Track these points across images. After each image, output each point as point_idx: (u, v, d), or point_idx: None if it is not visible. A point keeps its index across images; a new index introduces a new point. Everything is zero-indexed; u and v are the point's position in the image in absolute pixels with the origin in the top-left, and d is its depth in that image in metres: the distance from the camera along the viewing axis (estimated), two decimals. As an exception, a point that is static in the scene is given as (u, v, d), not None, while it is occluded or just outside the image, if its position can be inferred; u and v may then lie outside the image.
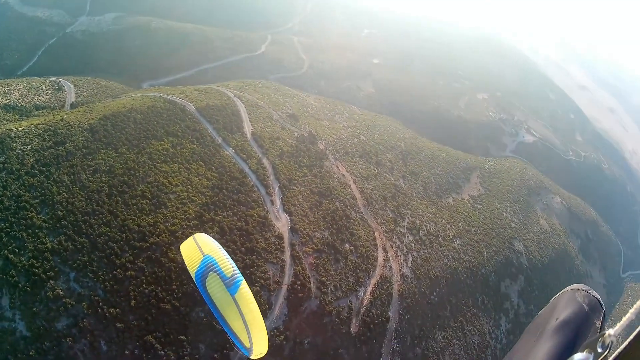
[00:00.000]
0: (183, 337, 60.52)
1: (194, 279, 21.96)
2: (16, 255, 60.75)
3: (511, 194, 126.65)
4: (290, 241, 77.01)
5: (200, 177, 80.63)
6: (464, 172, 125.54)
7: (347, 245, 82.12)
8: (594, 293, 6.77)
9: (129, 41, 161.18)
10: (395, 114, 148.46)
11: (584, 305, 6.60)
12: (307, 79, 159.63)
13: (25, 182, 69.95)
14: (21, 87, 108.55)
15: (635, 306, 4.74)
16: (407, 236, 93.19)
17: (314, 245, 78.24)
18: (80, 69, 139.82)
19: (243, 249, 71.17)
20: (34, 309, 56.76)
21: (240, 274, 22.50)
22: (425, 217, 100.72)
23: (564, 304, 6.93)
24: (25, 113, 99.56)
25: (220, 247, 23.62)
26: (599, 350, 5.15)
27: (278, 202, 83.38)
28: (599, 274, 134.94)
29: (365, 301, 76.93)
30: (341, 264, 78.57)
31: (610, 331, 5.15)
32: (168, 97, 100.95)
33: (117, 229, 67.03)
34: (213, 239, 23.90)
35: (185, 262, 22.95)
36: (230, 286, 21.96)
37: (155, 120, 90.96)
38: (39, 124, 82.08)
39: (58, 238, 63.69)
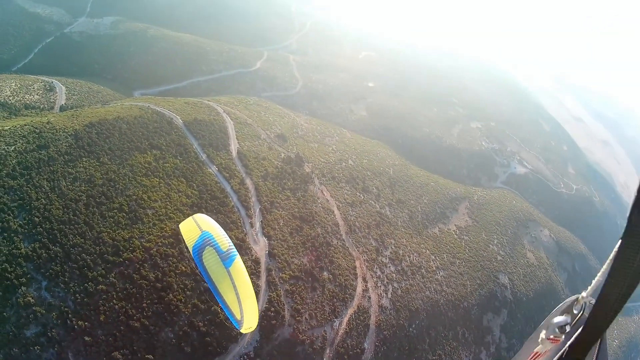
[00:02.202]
0: (150, 357, 59.40)
1: (191, 253, 23.89)
2: (-11, 258, 60.31)
3: (499, 226, 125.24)
4: (266, 266, 75.53)
5: (180, 194, 79.32)
6: (452, 202, 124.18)
7: (325, 273, 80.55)
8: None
9: (125, 47, 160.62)
10: (387, 139, 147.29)
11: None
12: (299, 98, 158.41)
13: (5, 184, 69.33)
14: (13, 84, 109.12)
15: (601, 270, 5.13)
16: (389, 266, 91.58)
17: (291, 272, 76.56)
18: (74, 71, 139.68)
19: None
20: (4, 314, 56.08)
21: (235, 250, 24.35)
22: (409, 248, 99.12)
23: (565, 308, 6.88)
24: (14, 111, 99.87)
25: (218, 225, 25.38)
26: (575, 312, 5.77)
27: (258, 224, 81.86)
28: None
29: (341, 331, 75.43)
30: (318, 292, 77.04)
31: (583, 294, 5.71)
32: (156, 108, 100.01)
33: (91, 241, 65.89)
34: (211, 219, 25.96)
35: (183, 237, 24.79)
36: (226, 260, 23.62)
37: (140, 132, 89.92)
38: (25, 125, 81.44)
39: (33, 245, 62.85)
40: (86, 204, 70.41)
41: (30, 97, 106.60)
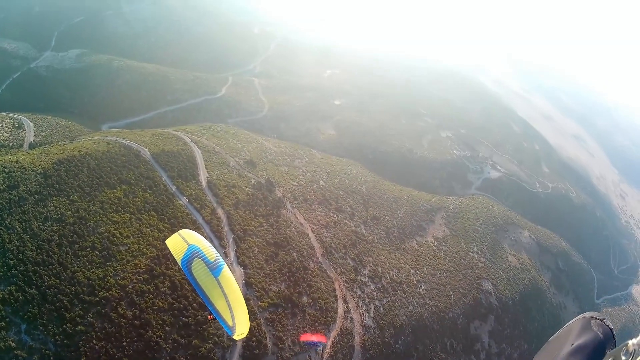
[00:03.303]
0: (135, 397, 58.63)
1: (180, 265, 25.06)
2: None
3: (477, 233, 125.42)
4: (244, 296, 74.20)
5: (152, 228, 78.66)
6: (428, 213, 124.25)
7: (304, 298, 79.97)
8: (609, 323, 6.98)
9: (91, 80, 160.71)
10: (357, 156, 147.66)
11: (599, 334, 6.76)
12: (266, 122, 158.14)
13: (-23, 226, 68.70)
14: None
15: None
16: (369, 285, 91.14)
17: (269, 300, 75.89)
18: (42, 107, 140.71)
19: (195, 304, 68.78)
20: (-14, 360, 55.33)
21: (222, 260, 25.53)
22: (387, 264, 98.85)
23: (580, 330, 7.06)
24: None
25: (204, 238, 26.65)
26: (623, 358, 5.65)
27: (232, 254, 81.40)
28: (572, 304, 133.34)
29: (326, 355, 74.92)
30: (299, 317, 76.50)
31: (633, 340, 5.62)
32: (124, 142, 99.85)
33: (66, 281, 65.16)
34: (196, 233, 27.04)
35: (171, 252, 25.89)
36: (214, 269, 24.76)
37: (109, 167, 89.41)
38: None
39: (9, 287, 61.99)
40: (59, 244, 69.82)
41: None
